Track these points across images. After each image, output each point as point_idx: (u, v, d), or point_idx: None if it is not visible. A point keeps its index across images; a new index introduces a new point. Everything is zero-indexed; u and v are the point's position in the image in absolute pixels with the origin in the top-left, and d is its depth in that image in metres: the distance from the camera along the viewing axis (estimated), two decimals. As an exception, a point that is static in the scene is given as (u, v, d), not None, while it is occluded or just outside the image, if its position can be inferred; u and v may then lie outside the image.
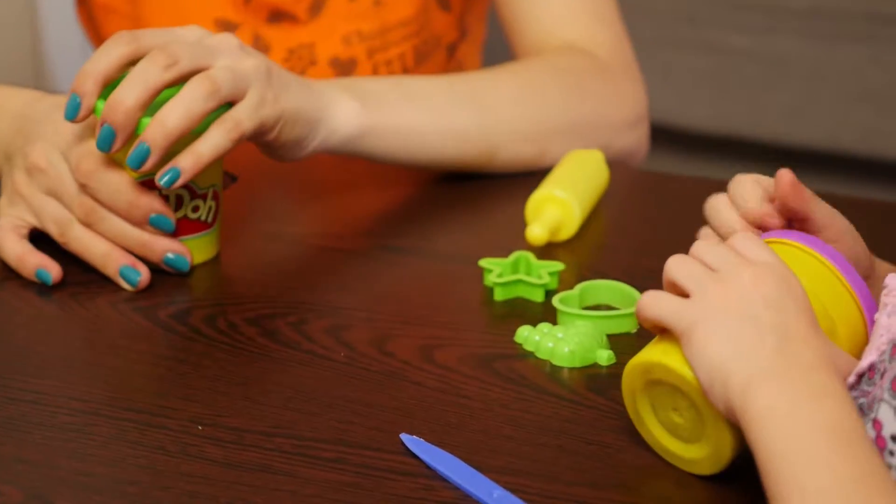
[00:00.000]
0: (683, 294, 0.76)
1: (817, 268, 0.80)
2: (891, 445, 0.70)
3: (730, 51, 2.25)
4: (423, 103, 1.11)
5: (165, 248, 0.98)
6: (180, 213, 0.99)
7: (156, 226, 0.97)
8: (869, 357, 0.73)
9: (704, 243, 0.79)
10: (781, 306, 0.73)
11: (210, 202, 1.00)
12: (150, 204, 0.97)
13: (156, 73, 0.93)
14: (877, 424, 0.70)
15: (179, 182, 0.93)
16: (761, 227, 0.85)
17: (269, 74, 0.98)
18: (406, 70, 1.29)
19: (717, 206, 0.87)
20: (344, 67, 1.28)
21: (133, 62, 0.95)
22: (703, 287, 0.75)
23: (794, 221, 0.84)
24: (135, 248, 0.98)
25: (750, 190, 0.85)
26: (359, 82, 1.09)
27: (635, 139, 1.23)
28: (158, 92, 0.94)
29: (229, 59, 0.96)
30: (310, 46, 1.28)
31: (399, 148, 1.10)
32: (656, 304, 0.76)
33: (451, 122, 1.12)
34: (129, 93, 0.93)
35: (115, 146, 0.94)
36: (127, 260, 0.97)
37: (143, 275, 0.97)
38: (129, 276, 0.97)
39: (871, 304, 0.79)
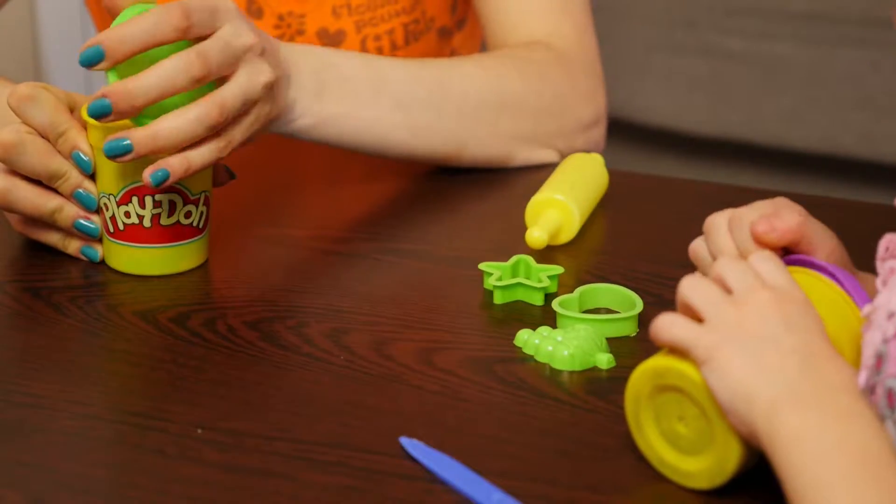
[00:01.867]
0: (697, 317, 0.75)
1: (833, 298, 0.79)
2: None
3: (728, 55, 2.25)
4: (387, 93, 1.11)
5: (77, 214, 1.00)
6: (172, 219, 0.99)
7: (75, 161, 0.98)
8: (861, 375, 0.72)
9: (727, 260, 0.78)
10: (802, 328, 0.73)
11: (202, 207, 1.00)
12: (74, 139, 0.98)
13: (184, 79, 0.92)
14: None
15: (168, 182, 0.94)
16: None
17: (275, 87, 1.00)
18: (395, 47, 1.30)
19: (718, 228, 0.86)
20: (332, 39, 1.29)
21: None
22: (719, 311, 0.74)
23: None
24: (47, 215, 0.99)
25: (745, 237, 0.83)
26: (331, 62, 1.08)
27: (594, 137, 1.23)
28: (175, 94, 0.93)
29: (251, 67, 0.96)
30: (300, 16, 1.29)
31: (356, 139, 1.11)
32: (672, 328, 0.75)
33: (415, 114, 1.12)
34: (149, 86, 0.91)
35: (108, 119, 0.93)
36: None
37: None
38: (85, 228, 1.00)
39: None
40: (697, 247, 0.88)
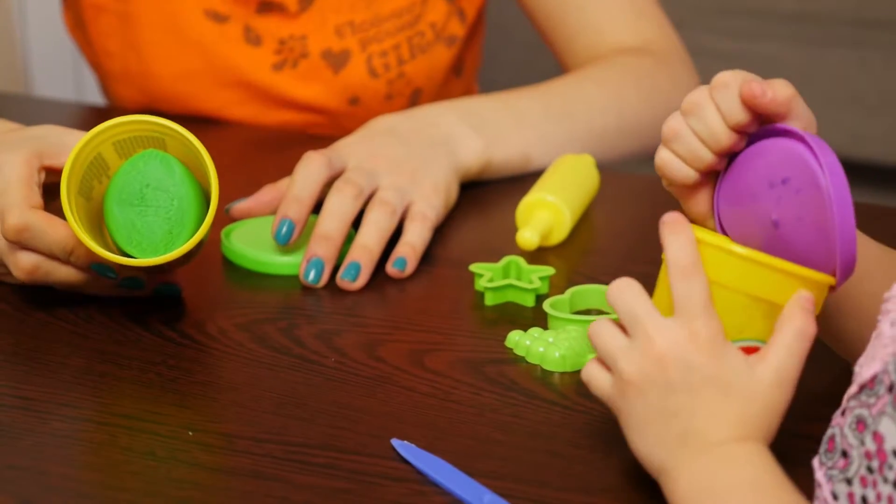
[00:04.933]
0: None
1: (738, 265, 0.75)
2: (891, 460, 0.69)
3: (718, 55, 2.25)
4: (529, 126, 1.17)
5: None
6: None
7: (99, 272, 0.92)
8: (872, 367, 0.71)
9: (618, 288, 0.76)
10: (686, 386, 0.73)
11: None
12: (88, 253, 0.91)
13: (350, 204, 1.02)
14: (877, 438, 0.69)
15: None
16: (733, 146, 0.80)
17: (436, 190, 1.07)
18: (402, 62, 1.29)
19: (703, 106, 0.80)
20: (337, 60, 1.28)
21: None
22: (617, 366, 0.74)
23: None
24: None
25: (733, 102, 0.80)
26: (473, 109, 1.15)
27: None
28: (352, 220, 1.02)
29: (390, 178, 1.05)
30: (301, 38, 1.28)
31: (505, 173, 1.16)
32: (596, 339, 0.76)
33: (551, 141, 1.18)
34: (333, 227, 1.00)
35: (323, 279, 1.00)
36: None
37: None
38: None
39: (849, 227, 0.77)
40: (676, 124, 0.80)
